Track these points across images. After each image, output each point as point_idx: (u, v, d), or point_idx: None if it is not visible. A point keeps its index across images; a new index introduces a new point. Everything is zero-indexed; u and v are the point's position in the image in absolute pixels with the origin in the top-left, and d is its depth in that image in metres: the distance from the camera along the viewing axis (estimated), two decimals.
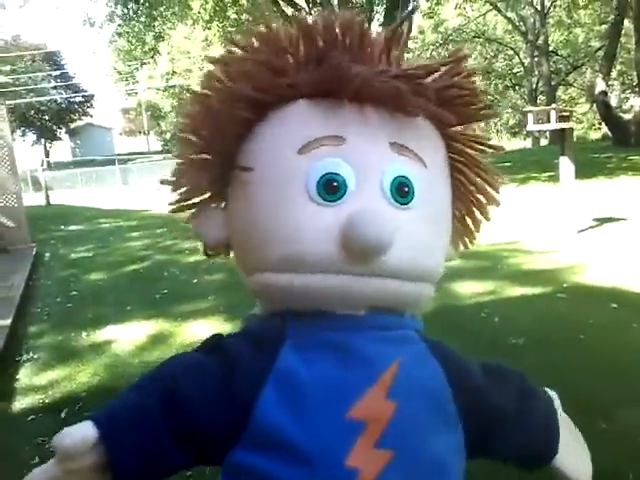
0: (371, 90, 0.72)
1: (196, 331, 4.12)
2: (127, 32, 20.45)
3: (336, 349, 0.73)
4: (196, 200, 0.83)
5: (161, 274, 6.26)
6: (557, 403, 0.94)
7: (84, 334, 4.29)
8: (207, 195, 0.83)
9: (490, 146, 0.86)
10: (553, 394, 0.95)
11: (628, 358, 3.21)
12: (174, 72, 39.52)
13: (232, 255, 0.87)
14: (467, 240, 0.93)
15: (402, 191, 0.74)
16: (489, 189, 0.87)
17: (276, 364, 0.72)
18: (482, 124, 0.87)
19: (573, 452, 0.90)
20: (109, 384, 3.36)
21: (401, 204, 0.74)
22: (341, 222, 0.69)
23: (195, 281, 5.76)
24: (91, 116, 49.59)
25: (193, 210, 0.83)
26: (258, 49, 0.77)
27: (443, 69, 0.77)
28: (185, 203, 0.83)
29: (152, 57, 27.72)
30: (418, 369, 0.75)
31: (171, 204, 0.84)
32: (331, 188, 0.71)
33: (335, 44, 0.75)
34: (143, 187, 25.84)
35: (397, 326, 0.78)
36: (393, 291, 0.74)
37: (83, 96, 46.97)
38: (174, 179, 0.82)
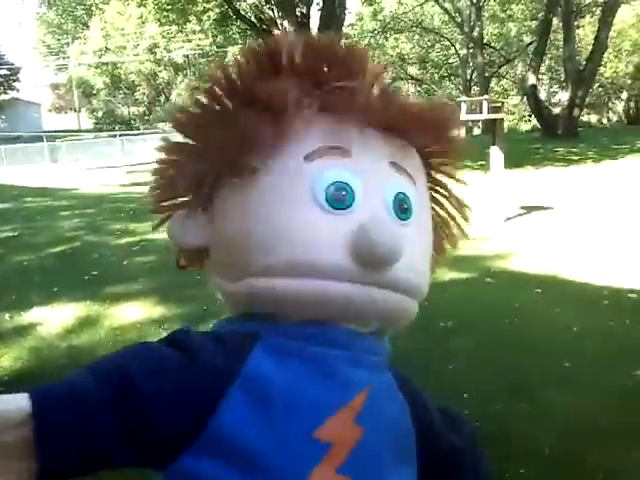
0: (377, 115, 0.73)
1: (126, 314, 4.04)
2: (57, 3, 19.61)
3: (312, 362, 0.70)
4: (179, 201, 0.79)
5: (90, 255, 6.07)
6: None
7: (7, 316, 4.13)
8: (188, 198, 0.79)
9: (458, 180, 0.90)
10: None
11: (551, 341, 3.35)
12: (107, 49, 38.26)
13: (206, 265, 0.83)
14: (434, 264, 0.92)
15: (402, 207, 0.75)
16: (461, 221, 0.91)
17: (246, 364, 0.68)
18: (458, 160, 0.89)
19: None
20: (34, 368, 3.26)
21: (401, 220, 0.75)
22: (354, 230, 0.68)
23: (125, 263, 5.64)
24: (17, 90, 47.32)
25: (172, 212, 0.80)
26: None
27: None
28: (167, 203, 0.80)
29: (82, 30, 26.67)
30: (385, 399, 0.75)
31: (153, 202, 0.81)
32: (340, 197, 0.70)
33: (337, 67, 0.74)
34: (73, 166, 24.98)
35: (376, 351, 0.77)
36: (395, 305, 0.73)
37: (9, 69, 44.68)
38: (158, 176, 0.80)
